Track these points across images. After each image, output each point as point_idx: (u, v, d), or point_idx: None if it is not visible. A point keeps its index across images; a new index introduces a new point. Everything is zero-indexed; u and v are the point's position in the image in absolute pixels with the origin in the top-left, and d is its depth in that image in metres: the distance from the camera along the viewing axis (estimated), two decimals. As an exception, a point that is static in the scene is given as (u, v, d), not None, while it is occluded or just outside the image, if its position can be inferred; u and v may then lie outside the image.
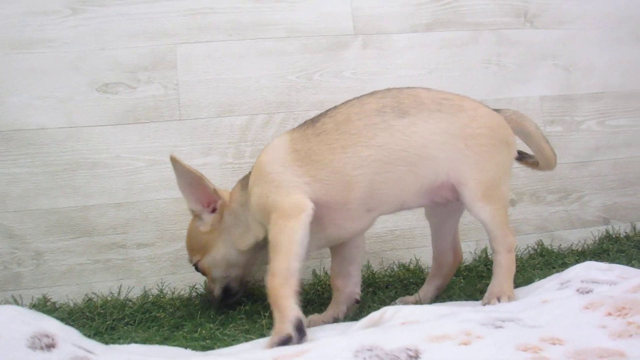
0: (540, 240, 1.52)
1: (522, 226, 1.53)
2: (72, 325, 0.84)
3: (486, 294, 1.01)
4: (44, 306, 1.28)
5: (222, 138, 1.42)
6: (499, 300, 0.97)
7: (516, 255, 1.45)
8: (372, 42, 1.50)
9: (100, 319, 1.20)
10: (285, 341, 0.81)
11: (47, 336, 0.65)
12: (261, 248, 1.08)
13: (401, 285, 1.33)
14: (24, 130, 1.34)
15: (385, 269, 1.42)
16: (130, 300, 1.31)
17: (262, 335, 0.97)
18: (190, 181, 1.10)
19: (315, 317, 1.08)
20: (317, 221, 0.97)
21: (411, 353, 0.64)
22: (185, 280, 1.37)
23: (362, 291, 1.29)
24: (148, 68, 1.40)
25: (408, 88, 1.07)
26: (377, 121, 0.99)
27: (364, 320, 0.85)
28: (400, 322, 0.81)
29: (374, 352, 0.65)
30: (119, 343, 1.01)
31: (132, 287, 1.35)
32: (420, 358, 0.63)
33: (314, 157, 0.98)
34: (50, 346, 0.63)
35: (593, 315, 0.73)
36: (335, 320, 1.07)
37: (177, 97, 1.40)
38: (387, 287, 1.32)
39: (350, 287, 1.10)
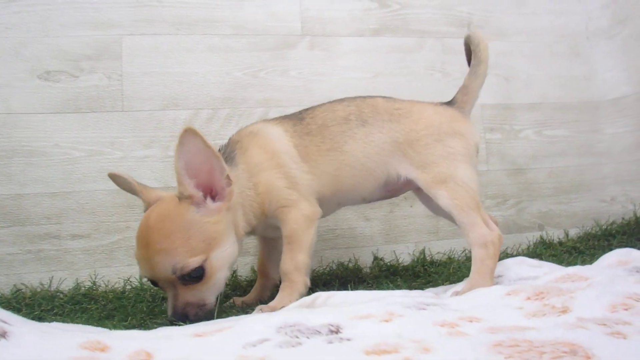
0: (478, 243, 1.62)
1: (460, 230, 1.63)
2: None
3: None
4: (-32, 295, 1.30)
5: (165, 131, 1.47)
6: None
7: (453, 258, 1.57)
8: (319, 44, 1.59)
9: (28, 310, 1.22)
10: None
11: None
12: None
13: (339, 283, 1.40)
14: (-43, 114, 1.38)
15: (324, 267, 1.49)
16: (60, 292, 1.33)
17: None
18: (202, 161, 0.97)
19: (237, 299, 1.19)
20: None
21: (332, 328, 0.70)
22: (119, 273, 1.40)
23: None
24: (92, 57, 1.45)
25: (371, 97, 1.22)
26: (345, 129, 1.16)
27: (295, 303, 0.91)
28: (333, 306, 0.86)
29: (296, 327, 0.70)
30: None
31: (64, 279, 1.38)
32: (340, 332, 0.69)
33: (311, 156, 1.13)
34: None
35: (513, 300, 0.81)
36: (261, 302, 1.16)
37: (120, 88, 1.45)
38: (324, 285, 1.38)
39: (277, 275, 1.20)
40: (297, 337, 0.68)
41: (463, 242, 1.61)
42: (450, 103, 1.22)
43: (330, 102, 1.21)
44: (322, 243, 1.53)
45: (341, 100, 1.21)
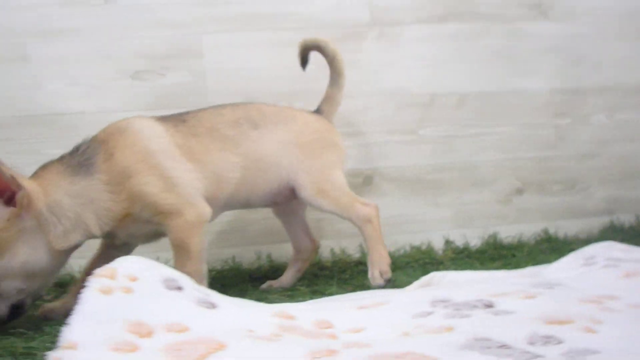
0: (546, 228, 1.74)
1: (528, 215, 1.75)
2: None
3: (370, 266, 1.26)
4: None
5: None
6: (382, 274, 1.24)
7: (522, 241, 1.70)
8: (387, 33, 1.71)
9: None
10: None
11: (174, 280, 0.83)
12: (75, 248, 1.08)
13: (417, 265, 1.54)
14: (64, 114, 1.58)
15: (399, 250, 1.65)
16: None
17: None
18: None
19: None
20: None
21: (486, 302, 0.79)
22: (220, 255, 1.61)
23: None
24: (175, 56, 1.63)
25: (252, 103, 1.34)
26: (238, 132, 1.23)
27: (416, 283, 1.03)
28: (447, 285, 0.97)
29: (448, 302, 0.81)
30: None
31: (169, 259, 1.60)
32: (494, 307, 0.78)
33: (197, 156, 1.16)
34: (179, 288, 0.81)
35: (634, 281, 0.88)
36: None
37: (204, 84, 1.63)
38: (402, 268, 1.51)
39: None
40: (460, 310, 0.78)
41: (531, 227, 1.74)
42: (317, 112, 1.40)
43: (212, 108, 1.28)
44: (392, 227, 1.69)
45: (223, 106, 1.29)
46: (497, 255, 1.57)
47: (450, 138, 1.73)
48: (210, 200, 1.17)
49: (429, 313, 0.80)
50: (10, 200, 0.98)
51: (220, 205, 1.23)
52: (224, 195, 1.21)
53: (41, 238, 1.01)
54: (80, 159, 1.08)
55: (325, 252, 1.64)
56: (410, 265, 1.53)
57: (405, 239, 1.68)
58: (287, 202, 1.34)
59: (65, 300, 1.15)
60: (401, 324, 0.77)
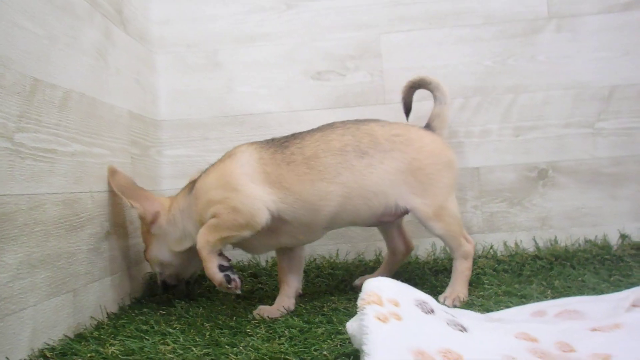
0: None
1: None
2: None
3: (443, 295, 1.32)
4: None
5: (423, 121, 1.72)
6: (453, 301, 1.29)
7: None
8: (566, 25, 1.69)
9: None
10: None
11: (426, 302, 0.92)
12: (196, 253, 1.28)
13: (597, 260, 1.58)
14: (254, 114, 1.78)
15: (573, 243, 1.70)
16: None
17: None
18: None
19: (266, 307, 1.31)
20: (273, 231, 1.26)
21: None
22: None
23: (560, 264, 1.59)
24: (355, 57, 1.74)
25: (364, 123, 1.33)
26: (341, 160, 1.26)
27: (629, 296, 1.04)
28: None
29: None
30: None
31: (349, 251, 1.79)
32: None
33: (284, 184, 1.24)
34: (430, 311, 0.91)
35: None
36: (287, 311, 1.30)
37: (381, 83, 1.74)
38: (579, 264, 1.57)
39: (297, 283, 1.37)
40: None
41: None
42: (430, 129, 1.41)
43: (323, 130, 1.31)
44: (567, 221, 1.73)
45: (333, 128, 1.31)
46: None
47: (631, 130, 1.71)
48: (304, 224, 1.28)
49: None
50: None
51: (322, 226, 1.32)
52: (322, 220, 1.28)
53: (164, 242, 1.37)
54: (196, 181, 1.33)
55: (500, 246, 1.73)
56: (591, 262, 1.58)
57: (580, 232, 1.72)
58: (395, 220, 1.41)
59: (278, 304, 1.33)
60: None
